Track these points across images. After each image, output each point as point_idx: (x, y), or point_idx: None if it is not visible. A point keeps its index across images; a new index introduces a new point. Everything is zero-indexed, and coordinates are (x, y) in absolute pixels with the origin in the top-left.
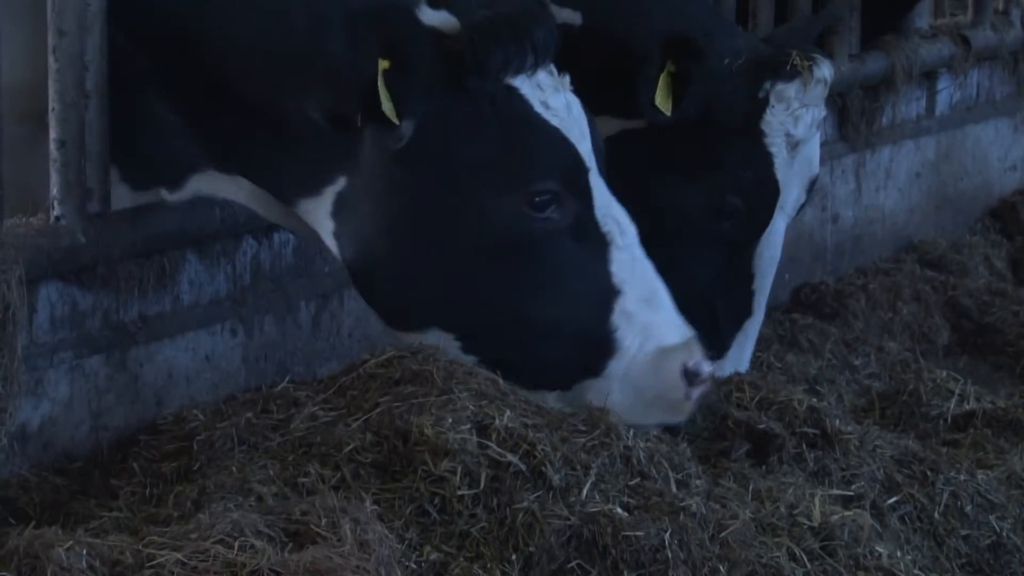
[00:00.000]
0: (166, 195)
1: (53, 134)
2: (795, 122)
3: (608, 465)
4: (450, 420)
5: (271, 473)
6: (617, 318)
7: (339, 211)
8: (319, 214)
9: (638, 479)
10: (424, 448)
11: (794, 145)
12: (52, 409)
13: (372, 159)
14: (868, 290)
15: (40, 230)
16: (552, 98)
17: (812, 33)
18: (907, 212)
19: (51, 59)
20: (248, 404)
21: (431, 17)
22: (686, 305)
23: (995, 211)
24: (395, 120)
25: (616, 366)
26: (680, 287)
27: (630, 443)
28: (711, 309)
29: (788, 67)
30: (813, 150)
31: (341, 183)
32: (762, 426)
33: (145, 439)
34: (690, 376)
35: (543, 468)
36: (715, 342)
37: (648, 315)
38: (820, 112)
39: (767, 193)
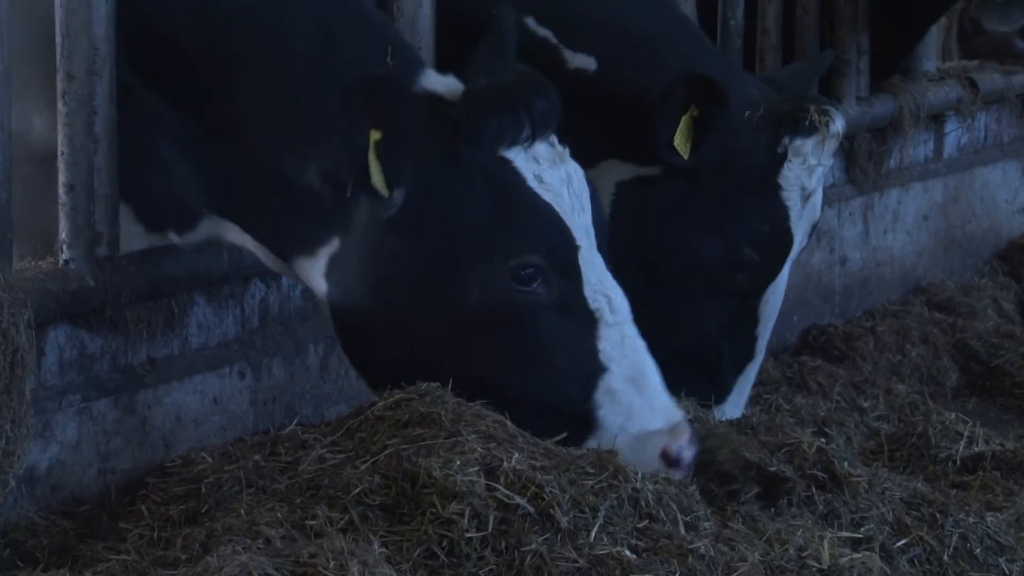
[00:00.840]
0: (175, 238)
1: (62, 178)
2: (809, 176)
3: (616, 507)
4: (458, 462)
5: (279, 515)
6: (600, 396)
7: (332, 272)
8: (313, 273)
9: (647, 521)
10: (432, 490)
11: (807, 197)
12: (60, 452)
13: (364, 224)
14: (876, 332)
15: (49, 273)
16: (548, 172)
17: (814, 76)
18: (915, 254)
19: (60, 103)
20: (256, 447)
21: (434, 82)
22: (692, 351)
23: (1003, 253)
24: (384, 192)
25: (595, 445)
26: (687, 334)
27: (638, 485)
28: (715, 354)
29: (807, 123)
30: (818, 196)
31: (335, 245)
32: (773, 469)
33: (153, 482)
34: (670, 461)
35: (551, 510)
36: (717, 386)
37: (633, 396)
38: (829, 161)
39: (782, 245)
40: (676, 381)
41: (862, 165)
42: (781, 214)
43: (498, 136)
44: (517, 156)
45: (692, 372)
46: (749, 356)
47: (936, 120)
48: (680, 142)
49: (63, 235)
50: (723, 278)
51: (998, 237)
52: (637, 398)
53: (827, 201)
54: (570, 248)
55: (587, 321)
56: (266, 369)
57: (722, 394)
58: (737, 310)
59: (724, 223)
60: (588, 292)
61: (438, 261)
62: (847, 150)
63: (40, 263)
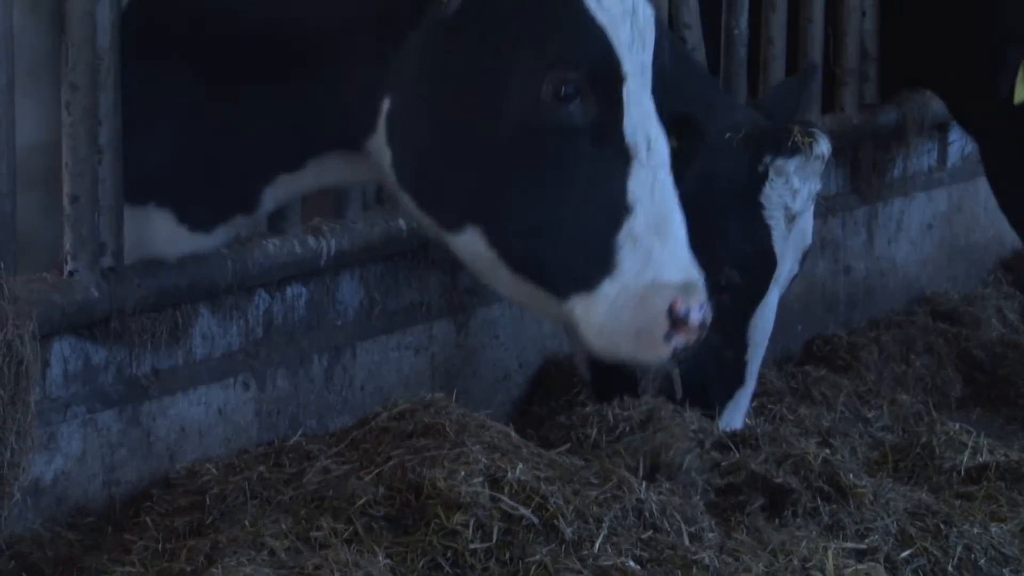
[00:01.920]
0: (244, 220)
1: (66, 189)
2: (793, 196)
3: (620, 518)
4: (463, 473)
5: (284, 527)
6: (623, 238)
7: (392, 134)
8: (381, 146)
9: (651, 532)
10: (437, 501)
11: (791, 218)
12: (65, 464)
13: (414, 58)
14: (881, 342)
15: (53, 285)
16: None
17: (798, 95)
18: (919, 264)
19: (64, 114)
20: (261, 458)
21: None
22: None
23: (1007, 263)
24: None
25: (609, 287)
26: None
27: (642, 496)
28: (702, 380)
29: (789, 143)
30: (807, 222)
31: (387, 105)
32: (777, 480)
33: (158, 493)
34: (676, 319)
35: (555, 521)
36: (706, 412)
37: (655, 243)
38: (816, 186)
39: (764, 266)
40: None
41: (866, 175)
42: (762, 233)
43: None
44: None
45: (681, 397)
46: (739, 382)
47: (940, 129)
48: None
49: (67, 246)
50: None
51: (1002, 246)
52: (658, 246)
53: (831, 211)
54: (614, 76)
55: (621, 157)
56: (270, 380)
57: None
58: (725, 336)
59: (705, 243)
60: (627, 127)
61: (486, 68)
62: (851, 159)
63: (45, 274)
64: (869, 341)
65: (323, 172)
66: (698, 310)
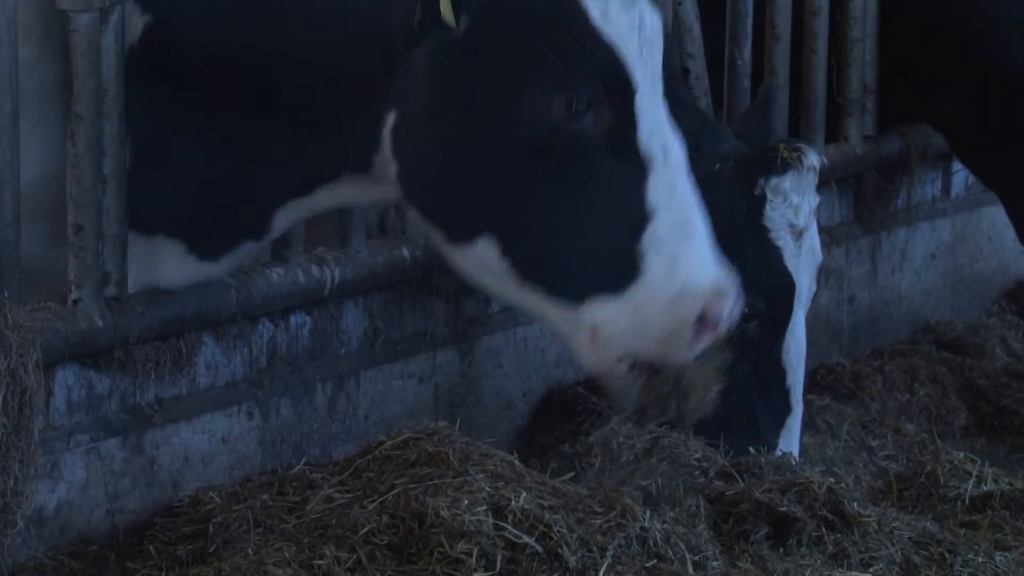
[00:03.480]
0: (253, 247)
1: (70, 218)
2: (795, 213)
3: (625, 547)
4: (466, 502)
5: (287, 555)
6: (646, 243)
7: (397, 147)
8: (387, 161)
9: (655, 561)
10: (440, 530)
11: (798, 235)
12: (68, 492)
13: (420, 74)
14: (885, 372)
15: (57, 314)
16: (617, 11)
17: (764, 119)
18: (923, 294)
19: (69, 144)
20: (264, 486)
21: None
22: (725, 412)
23: (1011, 293)
24: (452, 22)
25: (636, 292)
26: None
27: (647, 524)
28: (749, 414)
29: (779, 161)
30: (814, 238)
31: (391, 120)
32: (783, 509)
33: (161, 522)
34: (705, 322)
35: (559, 550)
36: (759, 446)
37: (679, 246)
38: (815, 199)
39: (784, 287)
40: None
41: (869, 204)
42: (774, 256)
43: None
44: None
45: (731, 435)
46: (787, 410)
47: (943, 159)
48: None
49: (71, 275)
50: (736, 333)
51: (1006, 276)
52: (684, 249)
53: (835, 240)
54: (626, 88)
55: (638, 166)
56: (274, 409)
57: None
58: (762, 366)
59: None
60: (642, 137)
61: (492, 91)
62: (855, 189)
63: (49, 303)
64: (873, 370)
65: (332, 194)
66: (729, 311)
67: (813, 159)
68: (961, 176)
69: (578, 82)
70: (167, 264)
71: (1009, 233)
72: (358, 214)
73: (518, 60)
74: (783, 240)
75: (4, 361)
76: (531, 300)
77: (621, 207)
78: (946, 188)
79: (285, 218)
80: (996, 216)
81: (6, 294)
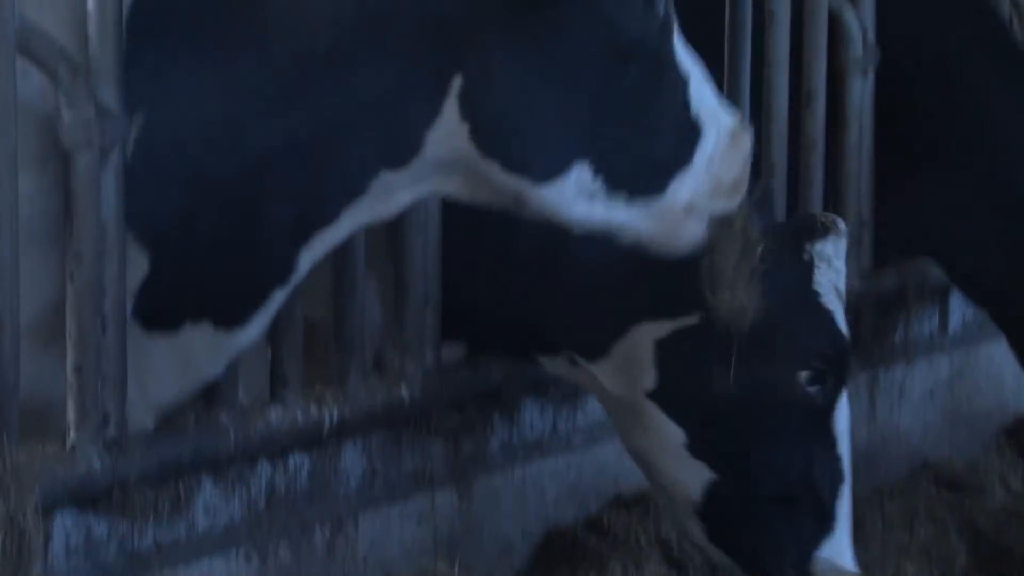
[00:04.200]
0: (278, 294)
1: (70, 359)
2: (839, 277)
3: None
4: None
5: None
6: (694, 104)
7: (469, 106)
8: (452, 127)
9: None
10: None
11: (841, 300)
12: None
13: (498, 26)
14: (884, 511)
15: (56, 456)
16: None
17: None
18: (921, 431)
19: (68, 284)
20: None
21: None
22: (789, 490)
23: (1010, 430)
24: None
25: (701, 154)
26: (782, 473)
27: None
28: (811, 487)
29: (820, 226)
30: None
31: (458, 82)
32: None
33: None
34: None
35: None
36: (822, 517)
37: (707, 96)
38: (844, 267)
39: (841, 349)
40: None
41: (867, 340)
42: (828, 319)
43: None
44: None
45: (791, 514)
46: (840, 478)
47: (941, 295)
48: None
49: (70, 416)
50: (800, 402)
51: (1005, 413)
52: (712, 100)
53: None
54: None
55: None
56: (272, 552)
57: (829, 523)
58: (815, 436)
59: (784, 348)
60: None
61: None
62: (852, 324)
63: (47, 445)
64: (872, 509)
65: (356, 215)
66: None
67: (842, 225)
68: (959, 313)
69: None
70: (199, 352)
71: (1008, 370)
72: (356, 353)
73: None
74: (832, 304)
75: (3, 506)
76: (619, 210)
77: (676, 86)
78: (944, 325)
79: (311, 256)
80: (994, 353)
81: (5, 437)
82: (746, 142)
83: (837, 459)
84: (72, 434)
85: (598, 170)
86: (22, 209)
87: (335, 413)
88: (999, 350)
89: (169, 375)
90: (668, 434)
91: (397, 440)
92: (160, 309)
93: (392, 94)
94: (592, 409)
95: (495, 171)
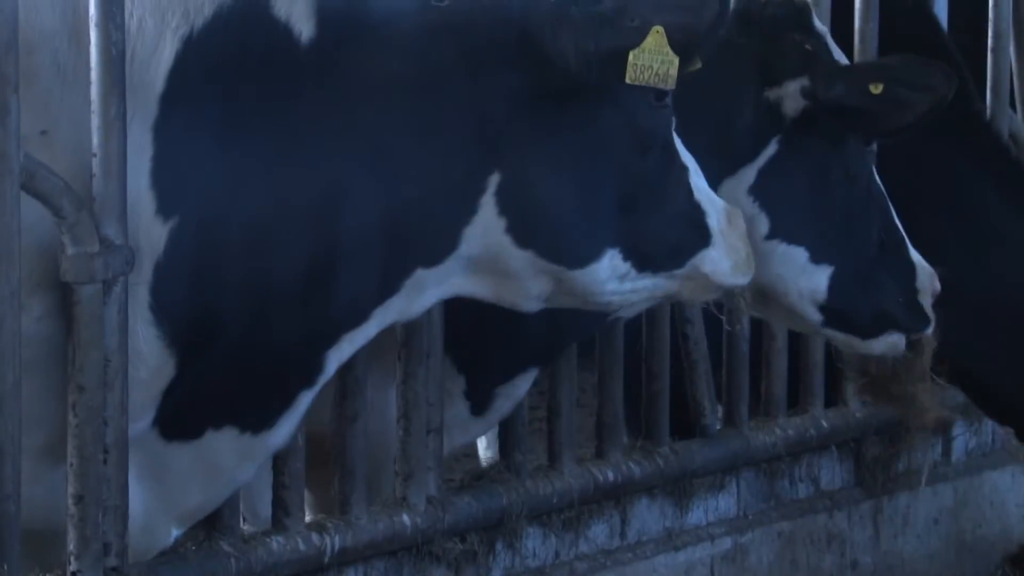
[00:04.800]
0: (306, 397)
1: (71, 489)
2: None
3: None
4: None
5: None
6: (696, 192)
7: (506, 203)
8: (489, 224)
9: None
10: None
11: None
12: None
13: (529, 126)
14: None
15: None
16: None
17: None
18: (926, 558)
19: (70, 415)
20: None
21: None
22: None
23: (1014, 558)
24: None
25: (715, 229)
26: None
27: None
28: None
29: None
30: None
31: (496, 180)
32: None
33: None
34: None
35: None
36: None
37: (702, 184)
38: None
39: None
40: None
41: (870, 468)
42: None
43: None
44: None
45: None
46: (884, 202)
47: (943, 423)
48: None
49: (71, 546)
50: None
51: (1009, 541)
52: (704, 185)
53: (836, 505)
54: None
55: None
56: None
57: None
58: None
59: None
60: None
61: (594, 107)
62: (855, 453)
63: (47, 575)
64: None
65: (385, 315)
66: None
67: None
68: (961, 441)
69: None
70: (225, 458)
71: (1012, 497)
72: (358, 481)
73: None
74: None
75: None
76: (646, 283)
77: (679, 167)
78: (947, 453)
79: (338, 357)
80: (998, 481)
81: (6, 567)
82: (740, 222)
83: (878, 188)
84: (73, 563)
85: (627, 256)
86: (26, 333)
87: (336, 540)
88: (1003, 478)
89: (194, 482)
90: (793, 255)
91: (399, 567)
92: (183, 415)
93: (434, 193)
94: (594, 536)
95: (530, 261)
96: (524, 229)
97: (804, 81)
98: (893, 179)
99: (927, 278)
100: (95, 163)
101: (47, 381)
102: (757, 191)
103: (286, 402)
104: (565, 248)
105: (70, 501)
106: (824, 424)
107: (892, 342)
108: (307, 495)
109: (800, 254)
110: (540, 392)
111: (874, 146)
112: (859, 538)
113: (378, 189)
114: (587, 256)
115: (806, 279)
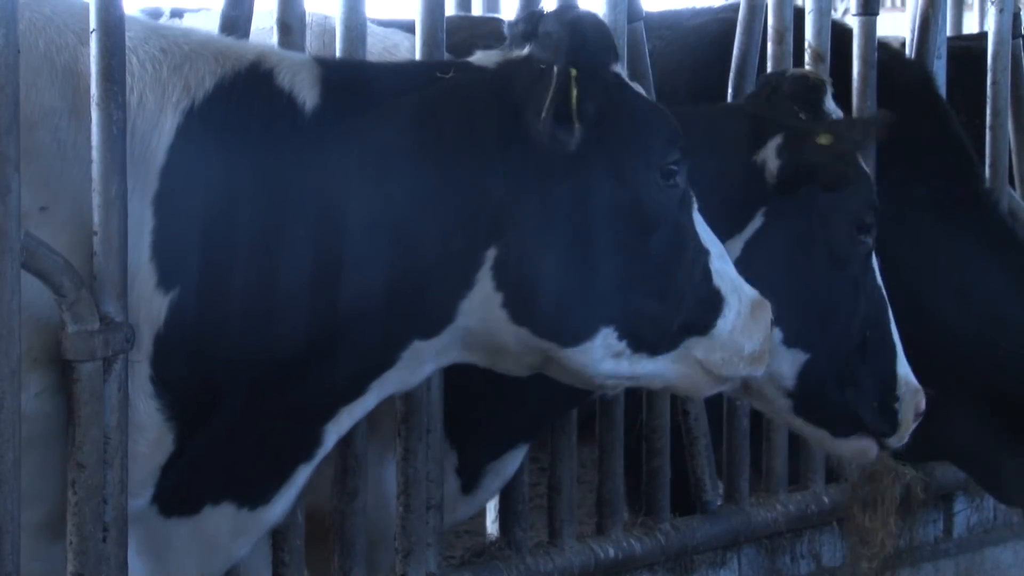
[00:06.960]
0: (303, 471)
1: (70, 567)
2: None
3: None
4: None
5: None
6: (715, 277)
7: (502, 277)
8: (485, 299)
9: None
10: None
11: None
12: None
13: (527, 200)
14: None
15: None
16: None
17: None
18: None
19: (70, 492)
20: None
21: None
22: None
23: None
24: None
25: (723, 323)
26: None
27: None
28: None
29: None
30: None
31: (492, 255)
32: None
33: None
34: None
35: None
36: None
37: (729, 270)
38: None
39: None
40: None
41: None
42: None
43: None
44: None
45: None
46: (883, 305)
47: (945, 499)
48: None
49: None
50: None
51: None
52: (731, 271)
53: None
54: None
55: (688, 204)
56: None
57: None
58: (863, 277)
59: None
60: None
61: (599, 184)
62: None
63: None
64: None
65: (383, 387)
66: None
67: None
68: (963, 517)
69: (669, 149)
70: (222, 532)
71: (1014, 573)
72: (359, 557)
73: (624, 154)
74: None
75: None
76: (645, 363)
77: (695, 249)
78: (948, 529)
79: (337, 430)
80: (999, 556)
81: None
82: (767, 315)
83: (875, 286)
84: None
85: (623, 334)
86: (25, 409)
87: None
88: (1005, 553)
89: (192, 557)
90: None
91: None
92: (182, 491)
93: (432, 265)
94: None
95: (524, 337)
96: (519, 305)
97: (779, 139)
98: (894, 256)
99: (911, 393)
100: (96, 241)
101: (46, 456)
102: (741, 265)
103: (284, 476)
104: (559, 324)
105: None
106: (825, 500)
107: (862, 448)
108: (306, 574)
109: (774, 335)
110: (541, 468)
111: (870, 238)
112: None
113: (377, 261)
114: (580, 334)
115: (776, 362)
